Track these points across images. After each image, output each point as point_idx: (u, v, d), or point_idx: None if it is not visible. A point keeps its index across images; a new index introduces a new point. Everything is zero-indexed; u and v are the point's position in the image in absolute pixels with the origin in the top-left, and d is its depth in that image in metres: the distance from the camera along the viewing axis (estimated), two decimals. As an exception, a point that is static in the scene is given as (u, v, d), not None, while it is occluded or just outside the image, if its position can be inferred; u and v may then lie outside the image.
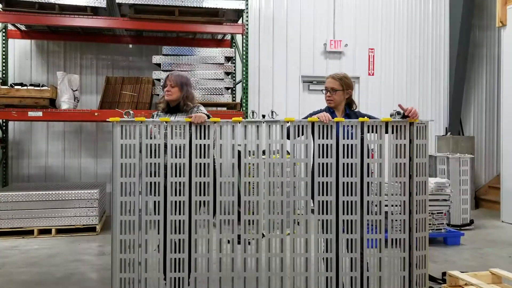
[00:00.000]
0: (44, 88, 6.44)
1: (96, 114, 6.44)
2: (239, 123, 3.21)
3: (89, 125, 7.86)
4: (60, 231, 6.39)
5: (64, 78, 6.73)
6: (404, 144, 3.30)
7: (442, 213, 6.12)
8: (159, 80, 6.92)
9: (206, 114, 3.39)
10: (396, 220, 3.32)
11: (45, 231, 6.34)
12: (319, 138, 3.23)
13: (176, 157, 3.23)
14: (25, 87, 6.39)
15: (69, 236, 6.31)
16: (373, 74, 8.92)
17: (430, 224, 6.00)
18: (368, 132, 3.29)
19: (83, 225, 6.44)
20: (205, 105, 6.62)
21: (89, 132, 7.90)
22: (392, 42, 9.03)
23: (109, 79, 7.24)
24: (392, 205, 3.33)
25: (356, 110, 3.69)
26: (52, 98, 6.50)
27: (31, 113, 6.27)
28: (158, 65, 7.01)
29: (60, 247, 5.79)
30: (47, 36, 7.55)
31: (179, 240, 3.23)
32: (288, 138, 3.26)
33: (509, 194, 7.52)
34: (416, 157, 3.32)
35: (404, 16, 9.09)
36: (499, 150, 8.50)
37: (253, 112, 3.26)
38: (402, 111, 3.30)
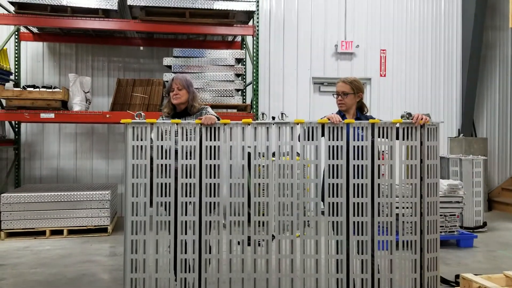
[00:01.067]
0: (56, 90, 6.50)
1: (107, 116, 6.48)
2: (249, 124, 3.20)
3: (100, 127, 7.92)
4: (72, 231, 6.44)
5: (76, 80, 6.78)
6: (415, 146, 3.28)
7: (455, 215, 6.06)
8: (170, 82, 6.94)
9: (216, 116, 3.39)
10: (407, 222, 3.29)
11: (57, 232, 6.39)
12: (329, 140, 3.21)
13: (186, 158, 3.23)
14: (37, 89, 6.46)
15: (81, 237, 6.36)
16: (384, 75, 8.87)
17: (443, 226, 5.95)
18: (379, 136, 3.27)
19: (95, 226, 6.48)
20: (215, 106, 6.65)
21: (101, 134, 7.95)
22: (404, 43, 8.96)
23: (120, 81, 7.29)
24: (403, 207, 3.30)
25: (367, 114, 3.68)
26: (64, 100, 6.55)
27: (43, 115, 6.32)
28: (169, 67, 7.04)
29: (72, 247, 5.83)
30: (59, 39, 7.62)
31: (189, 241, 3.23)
32: (299, 140, 3.26)
33: (522, 196, 7.42)
34: (428, 159, 3.29)
35: (416, 17, 9.02)
36: (512, 151, 8.41)
37: (263, 114, 3.26)
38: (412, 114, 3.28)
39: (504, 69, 9.35)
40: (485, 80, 9.55)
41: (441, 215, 5.92)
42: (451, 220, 6.03)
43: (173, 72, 6.93)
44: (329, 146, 3.21)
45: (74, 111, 6.61)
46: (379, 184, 3.28)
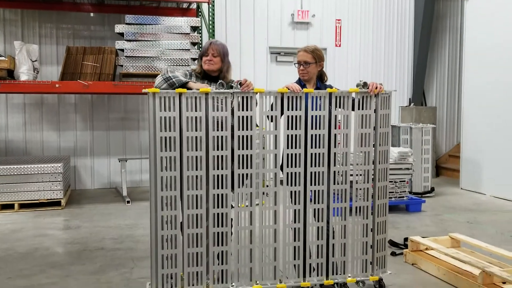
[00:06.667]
0: (1, 58, 6.17)
1: (57, 85, 6.24)
2: (207, 94, 3.14)
3: (50, 97, 7.62)
4: (23, 206, 6.26)
5: (22, 48, 6.45)
6: (369, 115, 3.35)
7: (404, 181, 6.31)
8: (122, 50, 6.73)
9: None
10: (359, 189, 3.40)
11: (7, 206, 6.19)
12: (288, 110, 3.22)
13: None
14: (-19, 57, 6.11)
15: (33, 211, 6.19)
16: (339, 46, 8.94)
17: (393, 192, 6.19)
18: (336, 106, 3.31)
19: (47, 199, 6.31)
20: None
21: (51, 104, 7.66)
22: (359, 13, 9.03)
23: (70, 49, 6.99)
24: (357, 175, 3.39)
25: (327, 84, 3.68)
26: (10, 69, 6.24)
27: (-13, 85, 6.02)
28: (121, 34, 6.81)
29: (24, 222, 5.68)
30: (2, 4, 7.17)
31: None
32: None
33: (468, 163, 7.81)
34: (380, 127, 3.38)
35: (370, -13, 9.08)
36: (459, 120, 8.77)
37: (220, 83, 3.21)
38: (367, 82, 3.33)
39: (454, 39, 9.63)
40: (435, 51, 9.82)
41: (391, 182, 6.15)
42: (401, 186, 6.28)
43: (125, 40, 6.70)
44: (288, 116, 3.22)
45: (21, 80, 6.31)
46: (335, 153, 3.35)
